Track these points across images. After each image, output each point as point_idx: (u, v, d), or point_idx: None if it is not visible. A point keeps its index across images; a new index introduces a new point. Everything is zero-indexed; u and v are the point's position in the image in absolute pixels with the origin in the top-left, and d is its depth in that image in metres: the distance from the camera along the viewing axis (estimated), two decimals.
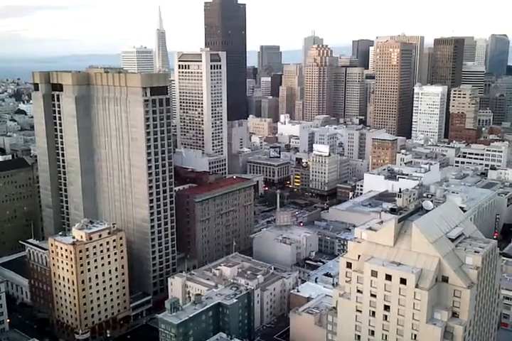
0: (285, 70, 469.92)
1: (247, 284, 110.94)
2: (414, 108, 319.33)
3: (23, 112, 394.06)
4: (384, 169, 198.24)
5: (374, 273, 74.91)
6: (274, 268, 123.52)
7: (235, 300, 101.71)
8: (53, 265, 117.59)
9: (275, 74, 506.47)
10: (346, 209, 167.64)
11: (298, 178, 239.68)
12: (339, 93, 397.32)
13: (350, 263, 79.95)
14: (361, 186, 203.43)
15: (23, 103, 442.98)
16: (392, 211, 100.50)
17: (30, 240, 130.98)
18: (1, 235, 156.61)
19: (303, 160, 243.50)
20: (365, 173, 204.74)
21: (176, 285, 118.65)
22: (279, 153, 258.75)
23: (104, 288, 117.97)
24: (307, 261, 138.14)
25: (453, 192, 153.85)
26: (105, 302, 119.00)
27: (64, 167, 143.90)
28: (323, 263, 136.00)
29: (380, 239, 77.81)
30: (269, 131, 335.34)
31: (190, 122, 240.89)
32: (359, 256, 78.73)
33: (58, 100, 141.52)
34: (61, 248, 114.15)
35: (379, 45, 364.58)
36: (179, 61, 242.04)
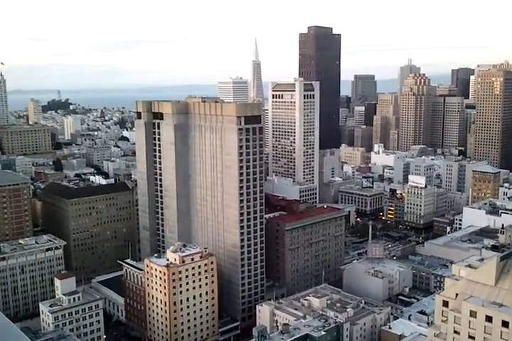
0: (380, 99, 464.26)
1: (337, 317, 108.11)
2: None
3: (126, 139, 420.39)
4: (485, 203, 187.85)
5: (473, 314, 70.13)
6: (365, 302, 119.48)
7: (323, 333, 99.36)
8: (148, 285, 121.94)
9: (369, 104, 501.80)
10: (443, 244, 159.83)
11: (392, 210, 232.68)
12: (437, 123, 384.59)
13: (447, 302, 75.50)
14: (460, 220, 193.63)
15: (127, 130, 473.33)
16: (494, 248, 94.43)
17: (128, 260, 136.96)
18: (102, 254, 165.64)
19: (397, 192, 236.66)
20: (465, 207, 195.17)
21: (264, 313, 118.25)
22: (372, 184, 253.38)
23: (195, 311, 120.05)
24: (400, 297, 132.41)
25: None
26: (195, 325, 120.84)
27: (161, 191, 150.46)
28: (418, 299, 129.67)
29: (480, 278, 73.07)
30: (361, 161, 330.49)
31: (282, 150, 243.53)
32: (457, 294, 74.34)
33: (159, 128, 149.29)
34: (155, 269, 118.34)
35: (480, 74, 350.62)
36: (273, 91, 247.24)
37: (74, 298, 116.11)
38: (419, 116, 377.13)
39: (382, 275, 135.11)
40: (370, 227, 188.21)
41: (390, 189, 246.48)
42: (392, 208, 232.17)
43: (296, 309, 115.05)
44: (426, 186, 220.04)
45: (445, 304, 75.89)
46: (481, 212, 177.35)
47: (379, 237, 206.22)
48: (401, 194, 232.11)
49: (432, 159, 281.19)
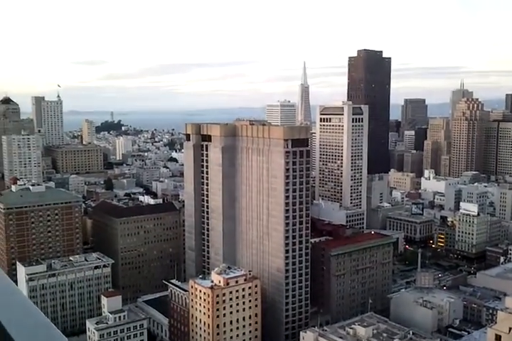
0: (431, 124, 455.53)
1: None
2: None
3: (175, 160, 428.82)
4: None
5: None
6: (413, 333, 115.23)
7: None
8: (192, 307, 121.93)
9: (419, 128, 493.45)
10: (496, 275, 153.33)
11: (442, 238, 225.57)
12: (490, 149, 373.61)
13: (500, 336, 72.13)
14: None
15: (175, 151, 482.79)
16: None
17: (173, 280, 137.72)
18: (148, 273, 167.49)
19: (448, 219, 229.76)
20: None
21: (307, 339, 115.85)
22: (422, 210, 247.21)
23: (238, 335, 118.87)
24: (450, 329, 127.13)
25: None
26: None
27: (208, 212, 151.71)
28: (468, 332, 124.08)
29: None
30: (411, 187, 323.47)
31: (329, 174, 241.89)
32: (510, 328, 70.82)
33: (207, 150, 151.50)
34: (200, 290, 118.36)
35: None
36: (321, 114, 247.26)
37: (120, 317, 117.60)
38: (471, 142, 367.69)
39: (431, 305, 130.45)
40: (420, 255, 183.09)
41: (441, 216, 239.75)
42: (443, 236, 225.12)
43: (341, 337, 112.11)
44: (478, 214, 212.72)
45: (497, 338, 72.54)
46: None
47: (428, 266, 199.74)
48: (452, 222, 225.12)
49: (485, 186, 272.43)
